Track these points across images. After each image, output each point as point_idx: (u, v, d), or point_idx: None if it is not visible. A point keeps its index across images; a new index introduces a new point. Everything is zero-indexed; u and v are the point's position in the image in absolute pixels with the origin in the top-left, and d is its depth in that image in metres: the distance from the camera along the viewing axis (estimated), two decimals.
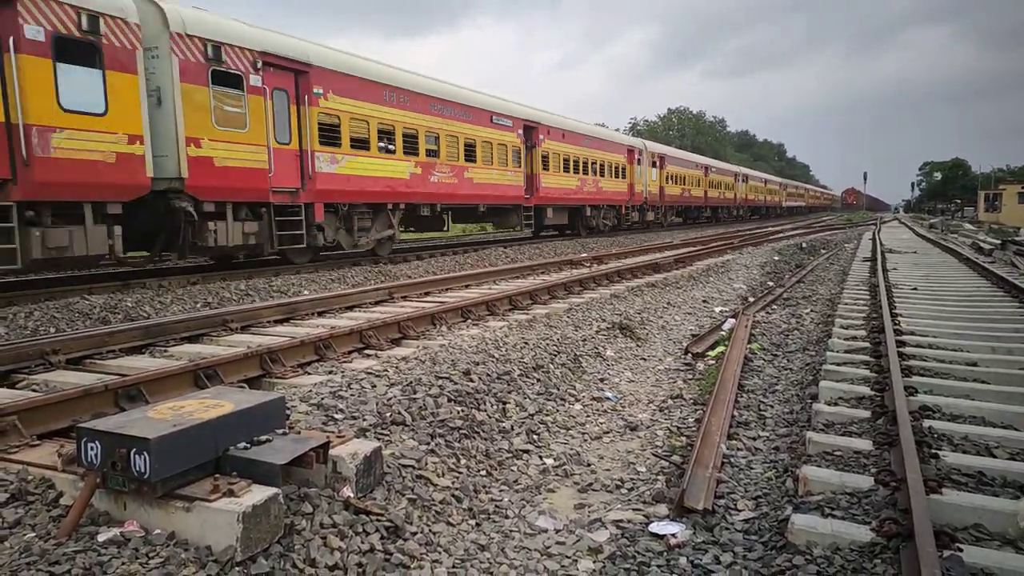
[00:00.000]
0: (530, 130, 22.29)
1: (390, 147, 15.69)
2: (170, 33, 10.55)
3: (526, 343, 6.62)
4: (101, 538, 2.73)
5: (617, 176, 29.82)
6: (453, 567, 3.10)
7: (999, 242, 21.37)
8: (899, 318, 7.85)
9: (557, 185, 24.31)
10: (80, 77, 9.41)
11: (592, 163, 27.06)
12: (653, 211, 35.15)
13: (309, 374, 5.73)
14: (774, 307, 10.22)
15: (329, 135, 13.80)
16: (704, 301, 10.96)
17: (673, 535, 3.30)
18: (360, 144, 14.71)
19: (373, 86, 15.06)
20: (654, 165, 34.78)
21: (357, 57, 15.32)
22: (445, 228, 20.84)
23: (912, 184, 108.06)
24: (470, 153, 18.83)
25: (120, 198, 10.03)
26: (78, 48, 9.39)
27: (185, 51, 10.79)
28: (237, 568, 2.62)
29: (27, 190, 8.86)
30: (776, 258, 17.68)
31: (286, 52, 12.83)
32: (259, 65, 12.11)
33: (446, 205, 18.40)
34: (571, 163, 25.17)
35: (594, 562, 3.19)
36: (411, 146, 16.39)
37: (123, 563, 2.59)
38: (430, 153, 17.09)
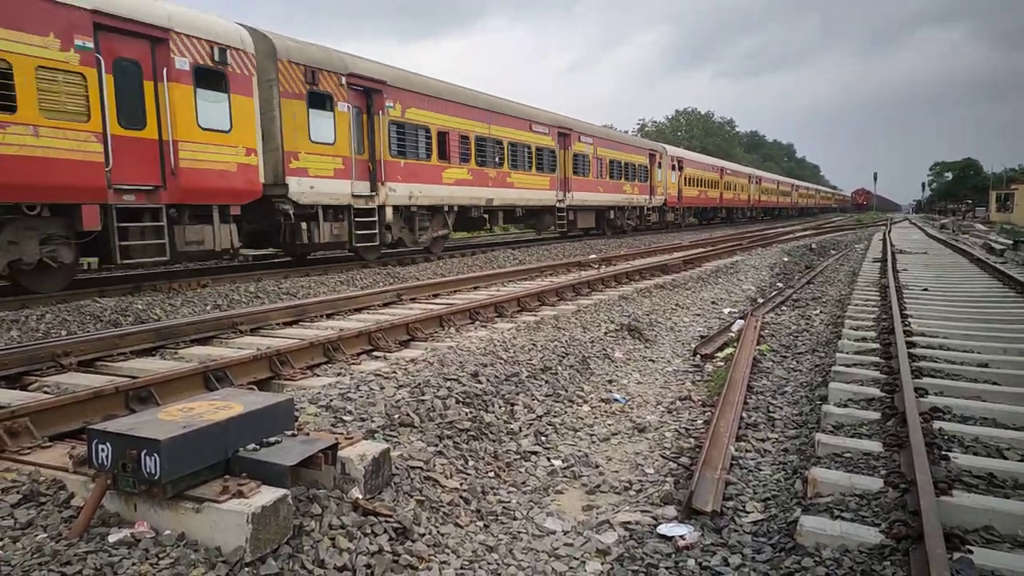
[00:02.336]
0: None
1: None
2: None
3: (534, 345, 6.62)
4: (112, 539, 2.75)
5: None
6: (461, 568, 3.11)
7: (1011, 242, 21.23)
8: (909, 319, 7.81)
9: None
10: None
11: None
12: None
13: (318, 376, 5.75)
14: (783, 308, 10.19)
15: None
16: (713, 302, 10.94)
17: (681, 537, 3.30)
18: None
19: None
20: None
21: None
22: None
23: (923, 184, 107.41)
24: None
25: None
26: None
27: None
28: (246, 568, 2.64)
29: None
30: (785, 259, 17.62)
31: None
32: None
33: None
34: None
35: (602, 564, 3.19)
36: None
37: (134, 563, 2.60)
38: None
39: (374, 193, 14.79)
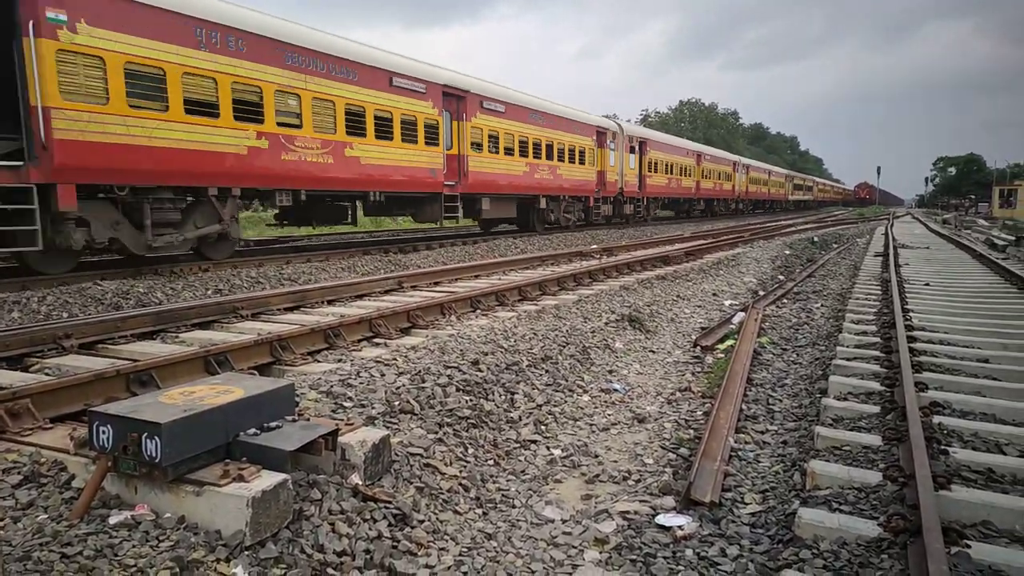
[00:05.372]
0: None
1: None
2: None
3: (535, 334, 6.63)
4: (112, 521, 2.76)
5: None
6: (460, 555, 3.12)
7: (1013, 238, 21.20)
8: (910, 313, 7.80)
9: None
10: None
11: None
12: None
13: (319, 362, 5.76)
14: (784, 301, 10.18)
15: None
16: (714, 294, 10.93)
17: (680, 527, 3.31)
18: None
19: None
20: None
21: None
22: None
23: (926, 179, 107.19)
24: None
25: None
26: None
27: None
28: (246, 552, 2.65)
29: None
30: (787, 252, 17.60)
31: None
32: None
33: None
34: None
35: (600, 553, 3.20)
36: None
37: (134, 546, 2.62)
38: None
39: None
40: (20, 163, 9.00)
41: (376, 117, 14.89)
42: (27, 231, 8.92)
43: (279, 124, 12.55)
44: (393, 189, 15.77)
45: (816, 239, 22.11)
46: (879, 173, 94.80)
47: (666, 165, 33.40)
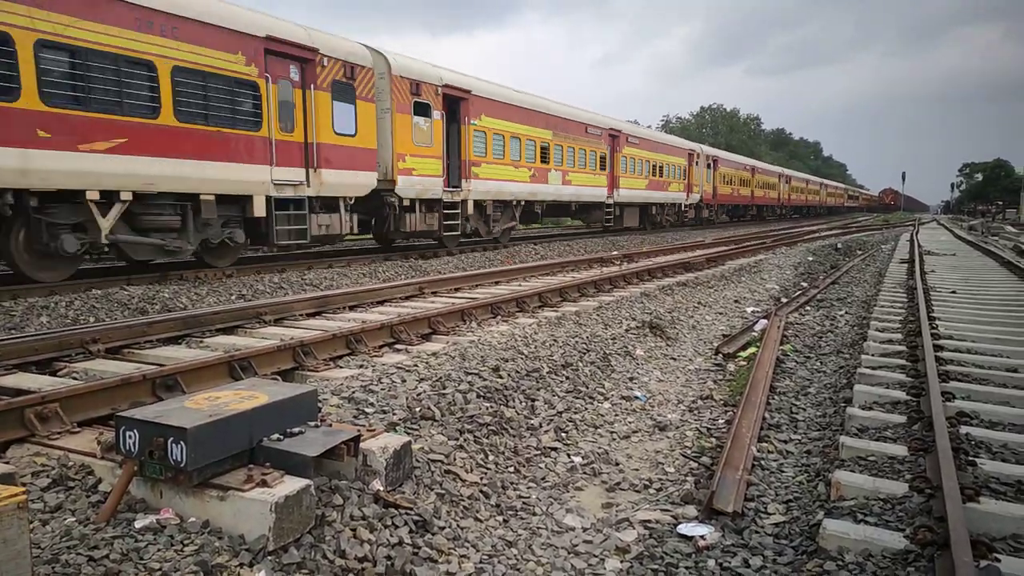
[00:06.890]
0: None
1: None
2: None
3: (555, 341, 6.62)
4: (138, 524, 2.79)
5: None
6: (480, 562, 3.12)
7: None
8: (937, 321, 7.69)
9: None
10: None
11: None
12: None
13: (340, 368, 5.79)
14: (807, 308, 10.08)
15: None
16: (735, 301, 10.85)
17: (702, 537, 3.29)
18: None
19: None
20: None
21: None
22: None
23: (952, 185, 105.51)
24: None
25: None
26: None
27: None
28: (269, 557, 2.67)
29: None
30: (810, 258, 17.42)
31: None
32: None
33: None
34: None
35: (621, 562, 3.19)
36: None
37: (159, 549, 2.65)
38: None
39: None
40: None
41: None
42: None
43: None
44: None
45: (840, 245, 21.86)
46: (904, 179, 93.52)
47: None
